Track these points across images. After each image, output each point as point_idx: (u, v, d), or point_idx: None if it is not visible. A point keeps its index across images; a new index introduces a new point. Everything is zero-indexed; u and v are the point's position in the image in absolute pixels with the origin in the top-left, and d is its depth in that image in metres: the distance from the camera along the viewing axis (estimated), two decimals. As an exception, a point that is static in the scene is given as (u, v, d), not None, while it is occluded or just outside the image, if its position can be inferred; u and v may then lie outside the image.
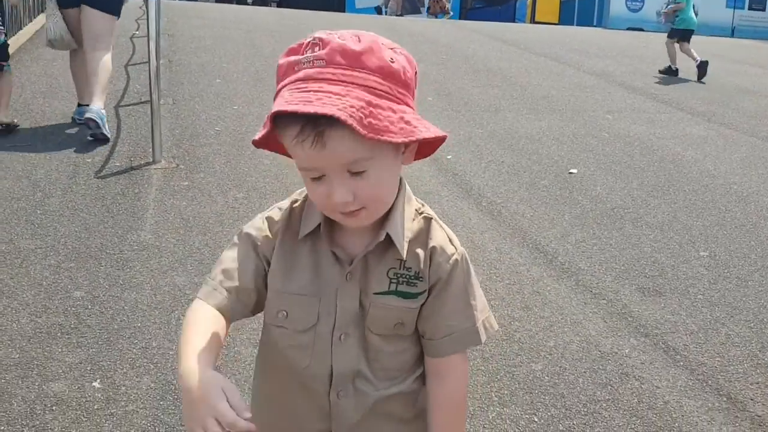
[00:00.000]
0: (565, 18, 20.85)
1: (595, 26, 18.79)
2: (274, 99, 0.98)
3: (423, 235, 1.13)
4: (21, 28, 7.73)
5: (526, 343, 2.83)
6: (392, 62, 0.98)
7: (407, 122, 0.96)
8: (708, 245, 3.95)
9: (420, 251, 1.12)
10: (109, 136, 4.88)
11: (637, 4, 19.73)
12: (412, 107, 1.00)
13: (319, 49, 0.96)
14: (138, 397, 2.34)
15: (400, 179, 1.13)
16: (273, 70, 1.05)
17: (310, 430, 1.16)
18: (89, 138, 4.84)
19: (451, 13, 19.66)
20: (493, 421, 2.36)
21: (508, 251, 3.67)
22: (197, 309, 1.09)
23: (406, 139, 0.95)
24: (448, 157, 5.11)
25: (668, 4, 9.64)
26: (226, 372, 2.49)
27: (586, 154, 5.46)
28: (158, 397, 2.34)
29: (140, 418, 2.25)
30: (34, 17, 8.42)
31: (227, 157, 4.67)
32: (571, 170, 5.05)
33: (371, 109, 0.93)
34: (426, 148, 1.10)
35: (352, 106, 0.91)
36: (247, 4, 18.81)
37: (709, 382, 2.68)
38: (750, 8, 20.94)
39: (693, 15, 9.37)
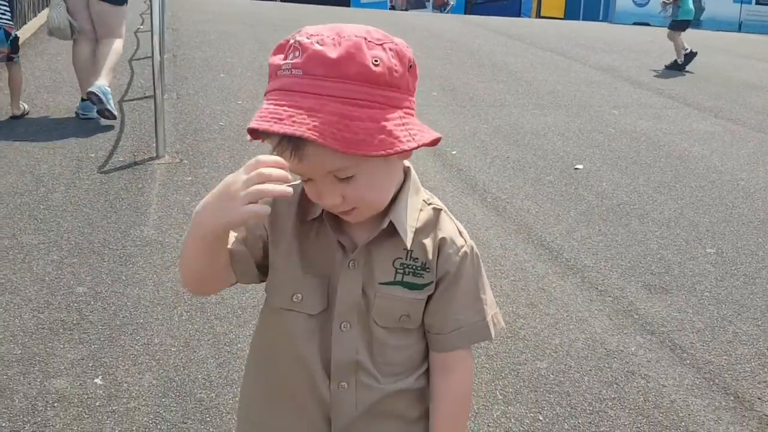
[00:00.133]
0: (571, 13, 20.76)
1: (601, 21, 18.69)
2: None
3: (431, 226, 1.11)
4: (25, 23, 7.72)
5: (531, 340, 2.80)
6: (375, 65, 0.93)
7: (389, 132, 0.92)
8: (715, 242, 3.91)
9: (428, 242, 1.09)
10: (115, 113, 4.96)
11: (644, -2, 19.63)
12: (402, 107, 0.96)
13: (299, 55, 0.94)
14: (140, 393, 2.33)
15: (408, 169, 1.11)
16: (277, 66, 1.03)
17: (309, 424, 1.13)
18: (96, 115, 4.93)
19: (452, 3, 19.60)
20: (497, 420, 2.33)
21: (513, 247, 3.64)
22: None
23: (384, 153, 0.92)
24: (453, 152, 5.09)
25: None
26: (230, 369, 2.48)
27: (592, 150, 5.43)
28: (160, 394, 2.33)
29: (142, 415, 2.23)
30: (39, 12, 8.41)
31: (231, 152, 4.65)
32: (577, 166, 5.02)
33: (347, 122, 0.90)
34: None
35: (324, 123, 0.89)
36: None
37: (716, 380, 2.65)
38: (757, 3, 20.82)
39: (692, 5, 9.37)
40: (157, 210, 3.77)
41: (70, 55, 5.42)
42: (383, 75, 0.94)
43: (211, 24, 9.25)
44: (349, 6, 18.53)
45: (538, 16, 20.53)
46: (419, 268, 1.09)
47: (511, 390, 2.49)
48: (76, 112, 5.24)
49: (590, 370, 2.65)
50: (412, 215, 1.09)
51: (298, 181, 1.08)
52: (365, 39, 0.95)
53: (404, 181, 1.10)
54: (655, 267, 3.55)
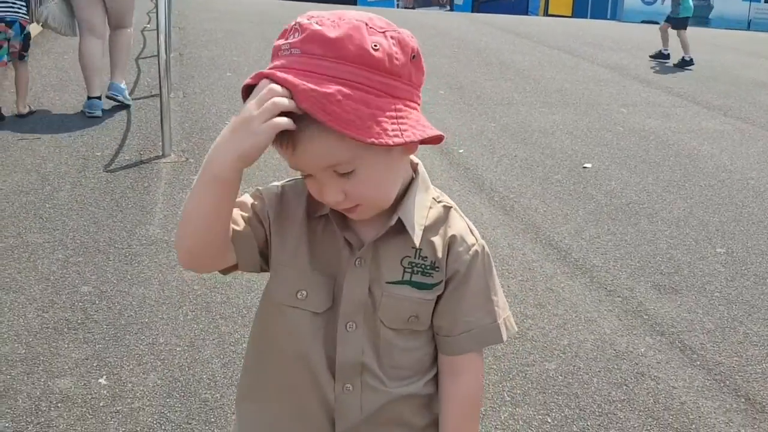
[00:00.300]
0: (578, 11, 20.68)
1: (609, 19, 18.60)
2: None
3: (441, 224, 1.07)
4: (31, 21, 7.71)
5: (540, 341, 2.77)
6: (375, 49, 0.90)
7: (377, 121, 0.89)
8: (725, 241, 3.87)
9: (437, 240, 1.06)
10: (130, 102, 5.46)
11: (652, -4, 19.53)
12: (401, 97, 0.93)
13: (298, 35, 0.92)
14: (144, 394, 2.31)
15: (417, 166, 1.08)
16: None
17: (313, 425, 1.09)
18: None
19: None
20: (505, 422, 2.31)
21: (520, 247, 3.61)
22: None
23: (363, 139, 0.88)
24: (460, 151, 5.05)
25: None
26: (234, 369, 2.46)
27: (600, 149, 5.39)
28: (164, 395, 2.31)
29: (146, 416, 2.21)
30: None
31: (237, 150, 4.63)
32: (586, 165, 4.98)
33: (339, 98, 0.87)
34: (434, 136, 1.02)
35: (317, 94, 0.87)
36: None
37: (727, 382, 2.62)
38: (766, 1, 20.68)
39: (692, 2, 9.37)
40: (163, 209, 3.76)
41: (76, 53, 5.41)
42: (382, 61, 0.91)
43: (218, 22, 9.24)
44: (355, 5, 18.53)
45: (546, 14, 20.46)
46: (428, 267, 1.05)
47: (519, 391, 2.46)
48: (82, 111, 5.24)
49: (599, 371, 2.61)
50: (421, 213, 1.05)
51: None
52: (366, 24, 0.93)
53: (413, 178, 1.07)
54: (665, 267, 3.51)
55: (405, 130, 0.91)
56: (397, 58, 0.92)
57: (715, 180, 4.88)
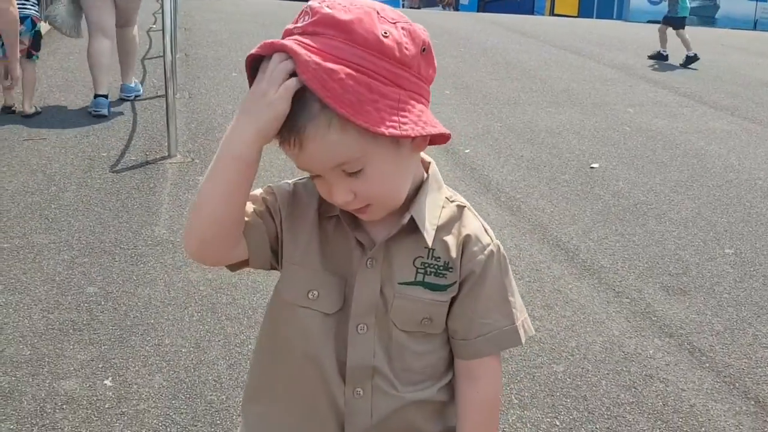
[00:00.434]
0: (584, 10, 20.62)
1: (615, 19, 18.55)
2: None
3: (454, 223, 1.04)
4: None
5: (548, 343, 2.75)
6: (384, 36, 0.88)
7: (377, 108, 0.86)
8: (733, 242, 3.84)
9: (451, 240, 1.03)
10: (141, 91, 5.79)
11: (658, -4, 19.47)
12: (408, 89, 0.91)
13: (308, 18, 0.91)
14: (150, 395, 2.30)
15: (430, 164, 1.06)
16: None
17: (322, 429, 1.07)
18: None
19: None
20: (513, 425, 2.29)
21: (527, 248, 3.59)
22: None
23: (359, 123, 0.85)
24: (466, 151, 5.03)
25: None
26: (240, 371, 2.45)
27: (607, 149, 5.36)
28: (170, 396, 2.30)
29: (152, 418, 2.20)
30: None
31: (243, 151, 4.62)
32: (593, 165, 4.95)
33: (341, 77, 0.85)
34: (439, 135, 0.98)
35: (319, 69, 0.85)
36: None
37: (737, 384, 2.59)
38: (773, 0, 20.59)
39: (689, 2, 9.41)
40: (169, 209, 3.75)
41: (82, 54, 5.43)
42: (391, 48, 0.89)
43: (224, 23, 9.24)
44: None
45: (552, 13, 20.42)
46: (441, 268, 1.02)
47: (527, 394, 2.44)
48: (88, 111, 5.24)
49: (608, 373, 2.59)
50: (434, 212, 1.03)
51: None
52: (377, 12, 0.91)
53: (425, 177, 1.05)
54: (673, 268, 3.48)
55: (405, 123, 0.89)
56: (407, 48, 0.90)
57: (723, 180, 4.85)
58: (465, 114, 6.01)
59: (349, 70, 0.86)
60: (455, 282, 1.03)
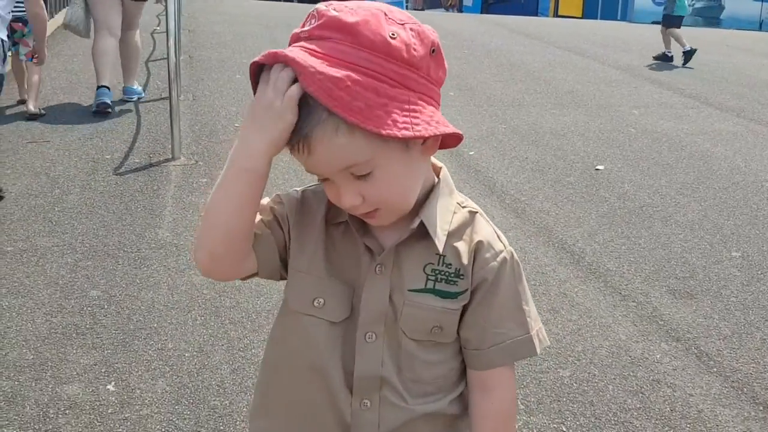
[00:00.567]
0: (588, 11, 20.59)
1: (619, 20, 18.51)
2: None
3: (466, 229, 1.02)
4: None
5: (554, 347, 2.72)
6: (392, 38, 0.87)
7: (388, 111, 0.85)
8: (740, 245, 3.81)
9: (462, 246, 1.00)
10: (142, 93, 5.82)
11: (663, -3, 19.41)
12: (417, 91, 0.89)
13: (315, 21, 0.90)
14: (153, 401, 2.28)
15: (441, 169, 1.04)
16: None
17: None
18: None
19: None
20: (519, 431, 2.26)
21: (533, 251, 3.57)
22: None
23: (372, 129, 0.84)
24: (471, 153, 5.01)
25: None
26: (244, 375, 2.43)
27: (612, 150, 5.33)
28: (173, 401, 2.28)
29: (154, 423, 2.19)
30: (56, 13, 8.42)
31: (246, 153, 4.61)
32: (598, 167, 4.93)
33: (348, 84, 0.83)
34: (450, 138, 0.98)
35: (325, 78, 0.83)
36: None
37: (745, 389, 2.56)
38: (779, 1, 20.53)
39: (686, 1, 9.46)
40: (172, 212, 3.74)
41: (86, 56, 5.44)
42: (399, 50, 0.87)
43: (228, 25, 9.24)
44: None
45: (556, 14, 20.38)
46: (452, 275, 1.00)
47: (533, 399, 2.41)
48: (92, 110, 5.25)
49: (614, 378, 2.57)
50: (445, 217, 1.00)
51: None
52: (385, 14, 0.90)
53: (436, 181, 1.03)
54: (680, 271, 3.46)
55: (417, 124, 0.87)
56: (415, 49, 0.89)
57: (730, 182, 4.82)
58: (469, 116, 5.99)
59: (355, 76, 0.84)
60: (467, 289, 1.01)
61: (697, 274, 3.44)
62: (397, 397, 1.01)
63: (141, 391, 2.33)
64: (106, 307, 2.82)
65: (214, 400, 2.30)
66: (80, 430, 2.14)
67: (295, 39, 0.91)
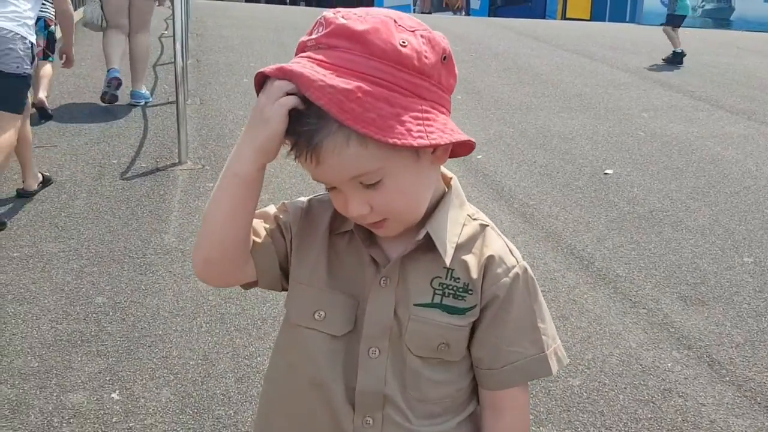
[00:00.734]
0: (597, 14, 20.52)
1: (627, 22, 18.44)
2: None
3: (476, 242, 0.98)
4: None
5: (562, 355, 2.69)
6: (402, 46, 0.84)
7: (401, 121, 0.82)
8: (752, 251, 3.76)
9: (471, 259, 0.97)
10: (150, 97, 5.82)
11: (672, -1, 19.31)
12: (429, 99, 0.87)
13: (323, 29, 0.87)
14: (157, 410, 2.26)
15: (451, 179, 1.01)
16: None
17: None
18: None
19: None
20: (528, 441, 2.23)
21: (541, 256, 3.53)
22: None
23: (386, 140, 0.81)
24: (478, 156, 4.98)
25: None
26: (248, 384, 2.40)
27: (621, 154, 5.28)
28: (177, 411, 2.26)
29: (159, 433, 2.16)
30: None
31: (253, 157, 4.59)
32: (607, 171, 4.88)
33: (359, 95, 0.81)
34: (461, 146, 0.95)
35: (335, 90, 0.80)
36: (284, 3, 18.84)
37: (758, 399, 2.52)
38: (790, 2, 20.40)
39: (689, 1, 9.44)
40: (178, 217, 3.72)
41: (93, 60, 5.46)
42: (410, 58, 0.85)
43: (235, 29, 9.24)
44: (372, 9, 18.50)
45: (564, 17, 20.31)
46: (461, 290, 0.96)
47: (542, 409, 2.38)
48: (101, 96, 5.39)
49: (625, 387, 2.53)
50: (454, 229, 0.97)
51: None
52: (395, 21, 0.87)
53: (445, 192, 0.99)
54: (691, 277, 3.41)
55: (431, 132, 0.84)
56: (426, 57, 0.86)
57: (741, 186, 4.76)
58: (477, 119, 5.96)
59: (365, 86, 0.82)
60: (475, 305, 0.97)
61: (709, 280, 3.40)
62: (401, 417, 0.98)
63: (145, 400, 2.30)
64: (111, 313, 2.80)
65: (218, 410, 2.27)
66: (84, 439, 2.12)
67: (302, 48, 0.89)
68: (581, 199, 4.36)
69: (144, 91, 5.76)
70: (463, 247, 0.97)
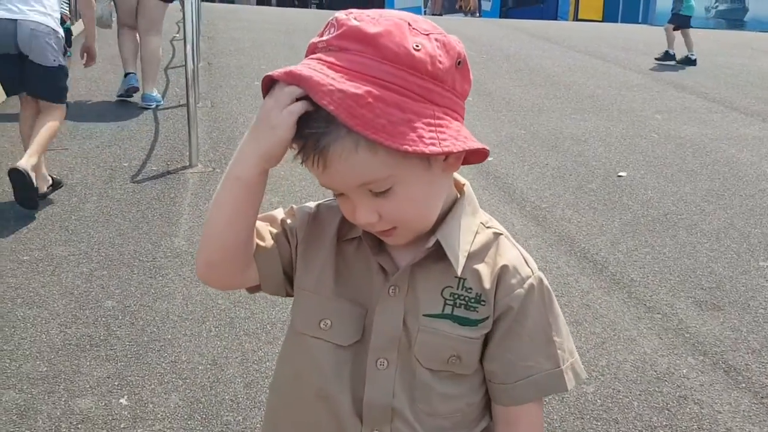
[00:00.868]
0: (609, 15, 20.41)
1: (640, 23, 18.32)
2: None
3: (489, 252, 0.95)
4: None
5: (576, 361, 2.65)
6: (416, 50, 0.81)
7: (413, 127, 0.80)
8: (768, 254, 3.71)
9: (484, 269, 0.93)
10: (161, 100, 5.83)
11: (685, -1, 19.16)
12: (442, 104, 0.84)
13: (334, 31, 0.84)
14: (165, 415, 2.24)
15: (464, 186, 0.98)
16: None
17: None
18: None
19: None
20: (540, 448, 2.19)
21: (554, 260, 3.49)
22: None
23: (397, 146, 0.78)
24: (490, 159, 4.94)
25: None
26: (257, 390, 2.38)
27: (635, 156, 5.23)
28: (186, 416, 2.24)
29: (167, 439, 2.15)
30: (76, 20, 8.47)
31: (263, 160, 4.58)
32: (620, 173, 4.83)
33: (370, 100, 0.78)
34: (474, 154, 0.92)
35: (345, 95, 0.78)
36: (295, 6, 18.87)
37: (776, 406, 2.47)
38: (804, 2, 20.20)
39: (693, 1, 9.35)
40: (189, 220, 3.71)
41: (104, 61, 5.47)
42: (423, 62, 0.82)
43: (246, 32, 9.25)
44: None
45: (576, 18, 20.21)
46: (473, 300, 0.93)
47: (555, 417, 2.34)
48: (117, 96, 5.58)
49: (639, 394, 2.48)
50: (466, 238, 0.93)
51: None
52: (409, 24, 0.84)
53: (458, 198, 0.96)
54: (706, 282, 3.36)
55: (444, 140, 0.81)
56: (440, 62, 0.84)
57: (756, 189, 4.70)
58: (488, 121, 5.92)
59: (376, 91, 0.79)
60: (488, 317, 0.94)
61: (724, 284, 3.34)
62: (409, 431, 0.95)
63: (154, 406, 2.29)
64: (120, 318, 2.79)
65: (227, 416, 2.25)
66: (92, 445, 2.11)
67: (313, 49, 0.86)
68: (594, 201, 4.31)
69: (155, 93, 5.77)
70: (475, 256, 0.94)
